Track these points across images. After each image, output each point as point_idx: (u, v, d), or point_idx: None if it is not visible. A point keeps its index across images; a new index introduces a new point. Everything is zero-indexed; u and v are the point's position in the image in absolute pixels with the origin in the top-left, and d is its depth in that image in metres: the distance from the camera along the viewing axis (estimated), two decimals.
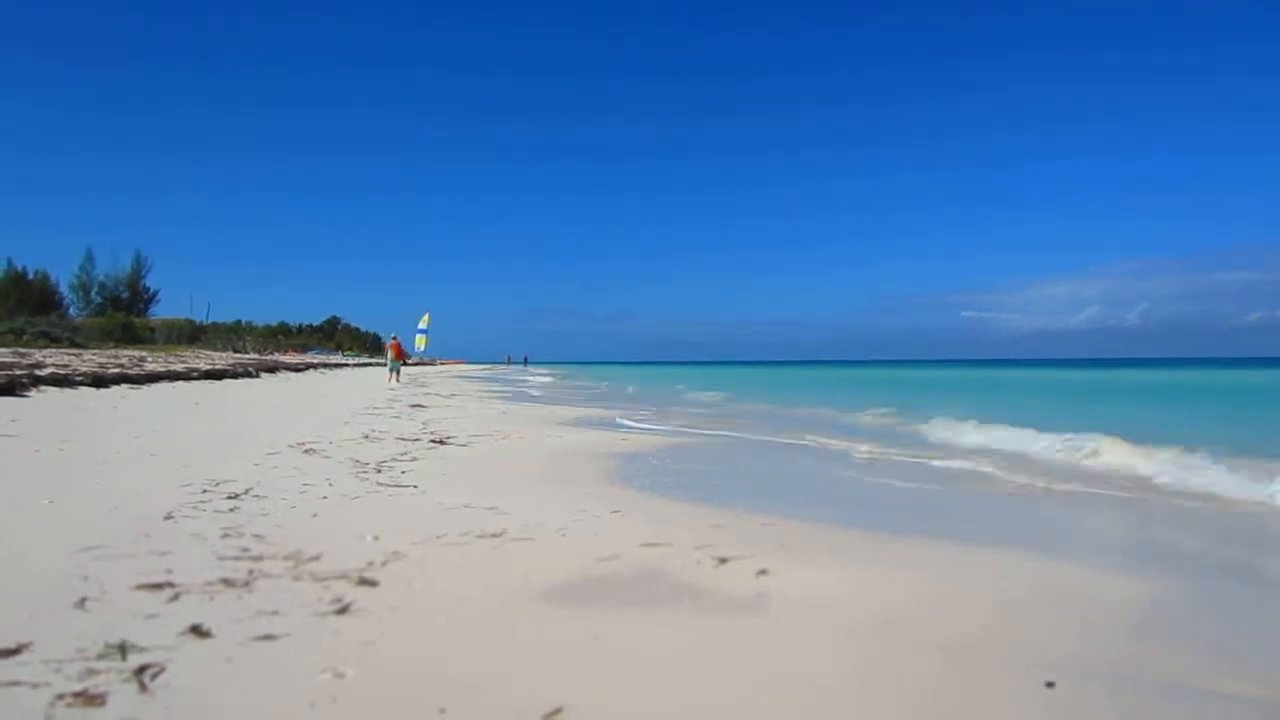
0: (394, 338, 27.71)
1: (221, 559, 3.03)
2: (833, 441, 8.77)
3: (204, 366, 20.41)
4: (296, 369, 31.10)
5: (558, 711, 1.85)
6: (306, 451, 6.39)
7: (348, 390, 19.12)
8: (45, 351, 21.92)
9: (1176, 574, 3.41)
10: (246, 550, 3.18)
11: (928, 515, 4.76)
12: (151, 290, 58.32)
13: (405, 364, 29.51)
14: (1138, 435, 7.55)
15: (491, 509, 4.21)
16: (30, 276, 47.45)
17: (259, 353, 49.77)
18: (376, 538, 3.47)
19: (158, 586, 2.66)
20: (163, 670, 2.00)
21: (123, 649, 2.11)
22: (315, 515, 3.94)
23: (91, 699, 1.83)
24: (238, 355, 39.75)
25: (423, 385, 24.08)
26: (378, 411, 11.68)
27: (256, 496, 4.33)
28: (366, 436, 7.86)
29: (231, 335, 58.37)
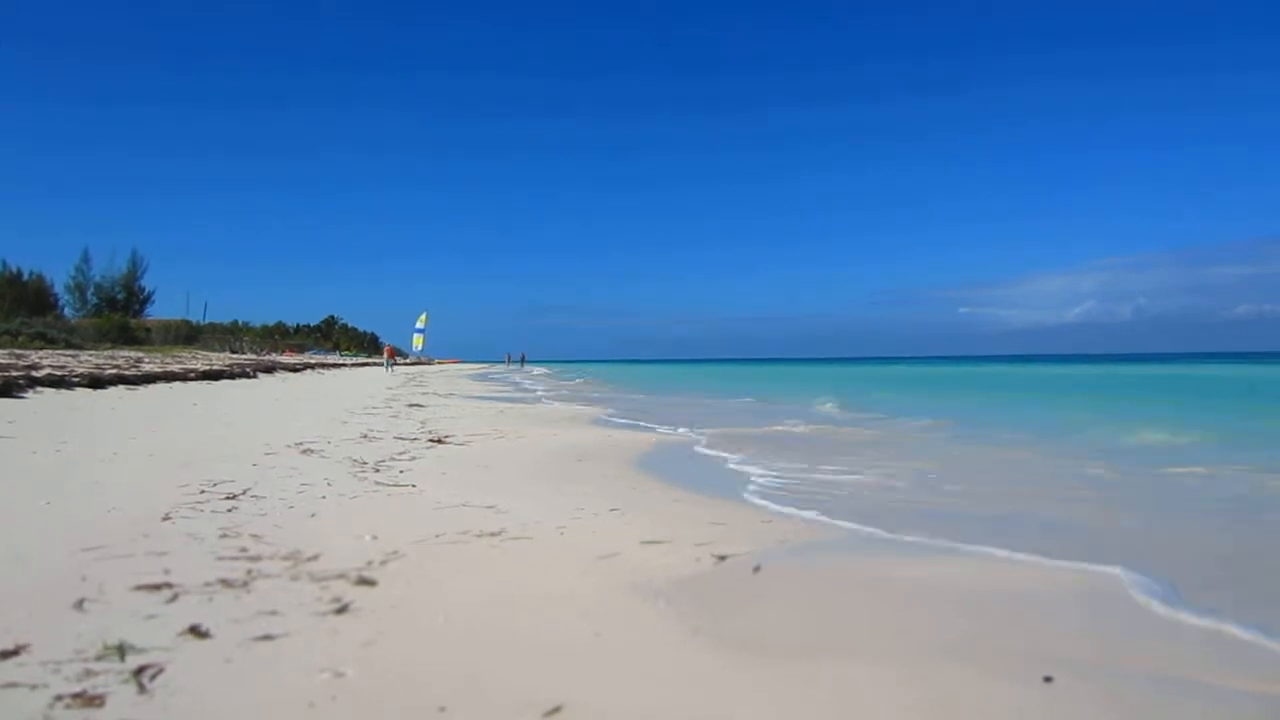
0: (389, 345, 43.09)
1: (220, 559, 3.03)
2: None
3: (201, 367, 20.38)
4: (294, 369, 31.05)
5: (558, 709, 1.85)
6: (304, 451, 6.38)
7: (345, 390, 19.10)
8: (41, 353, 21.89)
9: None
10: (245, 550, 3.17)
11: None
12: (148, 291, 58.14)
13: (397, 364, 42.69)
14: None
15: (490, 508, 4.21)
16: (26, 278, 47.33)
17: (256, 353, 49.70)
18: (375, 537, 3.46)
19: (156, 587, 2.65)
20: (161, 671, 2.00)
21: (121, 650, 2.11)
22: (313, 515, 3.94)
23: (90, 700, 1.83)
24: (235, 356, 39.71)
25: (420, 384, 24.06)
26: (375, 411, 11.67)
27: (254, 497, 4.33)
28: (364, 436, 7.86)
29: (228, 336, 58.26)
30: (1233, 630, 2.50)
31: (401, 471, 5.51)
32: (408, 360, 68.30)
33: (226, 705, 1.85)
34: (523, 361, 76.83)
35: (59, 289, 51.23)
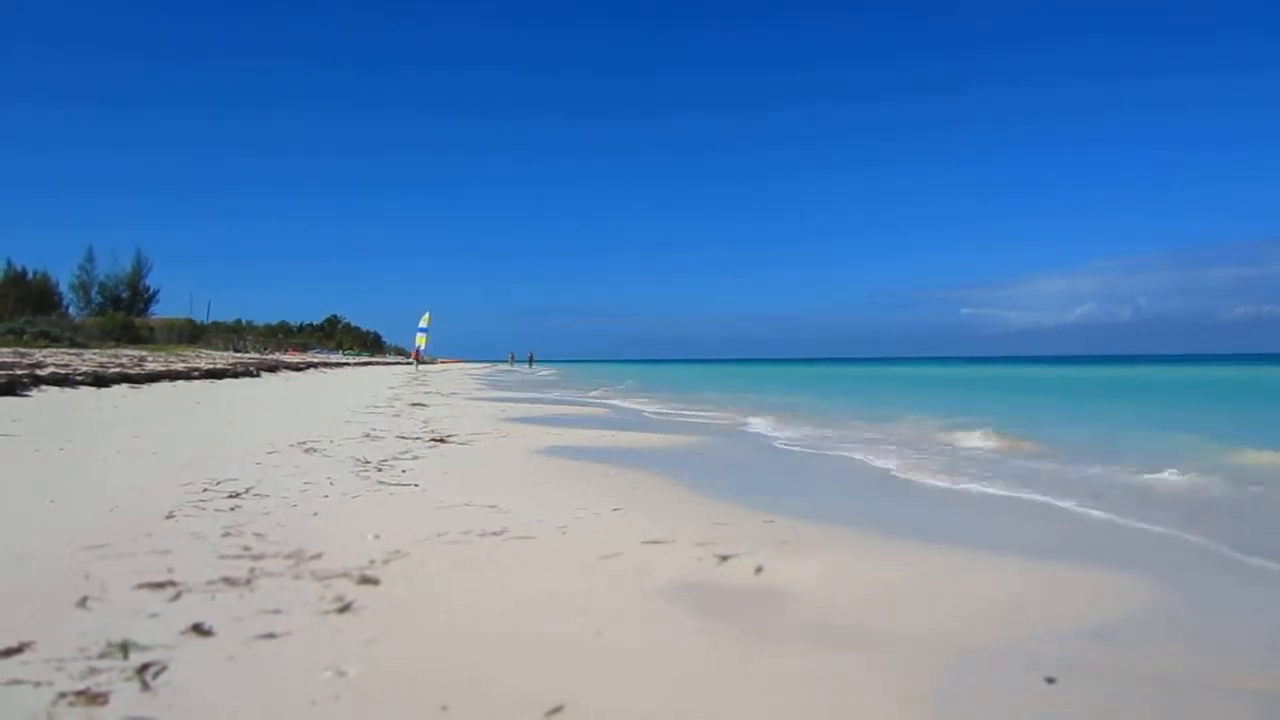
0: (416, 349, 48.74)
1: (223, 558, 3.03)
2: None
3: (204, 366, 20.40)
4: (297, 368, 31.07)
5: (560, 709, 1.86)
6: (307, 450, 6.39)
7: (348, 389, 19.13)
8: (45, 351, 21.92)
9: None
10: (248, 549, 3.18)
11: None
12: (152, 290, 58.10)
13: (420, 364, 49.35)
14: None
15: (492, 507, 4.22)
16: (30, 276, 47.39)
17: (259, 352, 49.77)
18: (377, 536, 3.47)
19: (159, 585, 2.66)
20: (165, 669, 2.00)
21: (125, 648, 2.11)
22: (316, 514, 3.94)
23: (94, 698, 1.83)
24: (238, 354, 39.73)
25: (423, 384, 24.09)
26: (378, 410, 11.68)
27: (257, 495, 4.34)
28: (367, 435, 7.87)
29: (232, 334, 58.29)
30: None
31: (404, 470, 5.51)
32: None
33: (229, 703, 1.86)
34: (530, 363, 76.36)
35: (63, 288, 51.28)
